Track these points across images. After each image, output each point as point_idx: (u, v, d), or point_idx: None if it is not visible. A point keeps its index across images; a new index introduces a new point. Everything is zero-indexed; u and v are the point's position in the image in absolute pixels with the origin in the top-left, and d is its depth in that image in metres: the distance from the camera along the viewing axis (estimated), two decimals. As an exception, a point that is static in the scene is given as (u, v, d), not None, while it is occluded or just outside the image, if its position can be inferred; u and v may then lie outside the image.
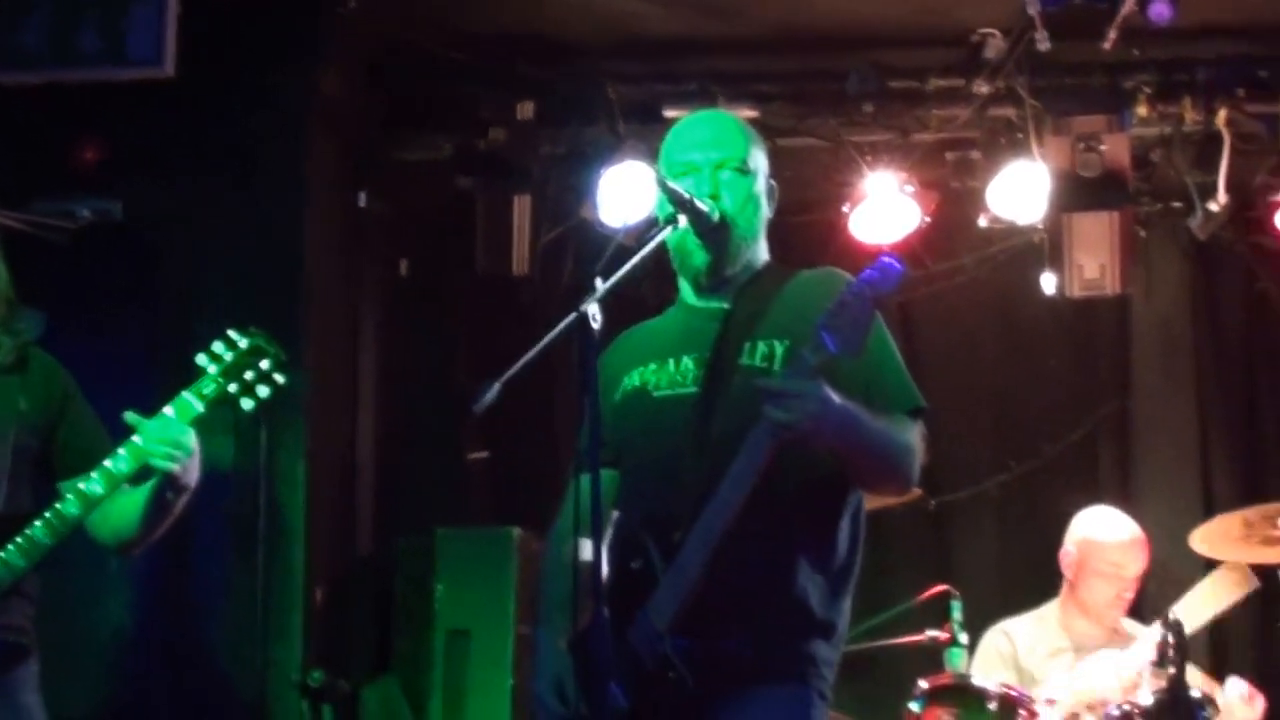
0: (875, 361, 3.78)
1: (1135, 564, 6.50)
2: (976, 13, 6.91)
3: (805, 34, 7.15)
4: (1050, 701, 5.88)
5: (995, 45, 6.84)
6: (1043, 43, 6.59)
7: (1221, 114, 7.04)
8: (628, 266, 3.71)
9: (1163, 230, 7.77)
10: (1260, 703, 6.19)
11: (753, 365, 3.80)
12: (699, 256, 3.92)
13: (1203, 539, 6.41)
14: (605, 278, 3.65)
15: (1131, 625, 6.53)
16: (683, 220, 3.87)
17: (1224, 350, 7.96)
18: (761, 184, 4.00)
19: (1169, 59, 7.08)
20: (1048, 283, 7.24)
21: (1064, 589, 6.65)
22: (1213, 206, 7.15)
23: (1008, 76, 6.94)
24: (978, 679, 5.93)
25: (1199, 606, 6.22)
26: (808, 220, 7.43)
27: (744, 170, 3.94)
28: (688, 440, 3.75)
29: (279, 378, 4.45)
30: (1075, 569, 6.56)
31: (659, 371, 3.91)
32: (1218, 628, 7.43)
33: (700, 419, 3.77)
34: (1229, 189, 7.09)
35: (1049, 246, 7.24)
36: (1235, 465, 7.81)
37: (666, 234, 3.87)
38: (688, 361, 3.88)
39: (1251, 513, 6.36)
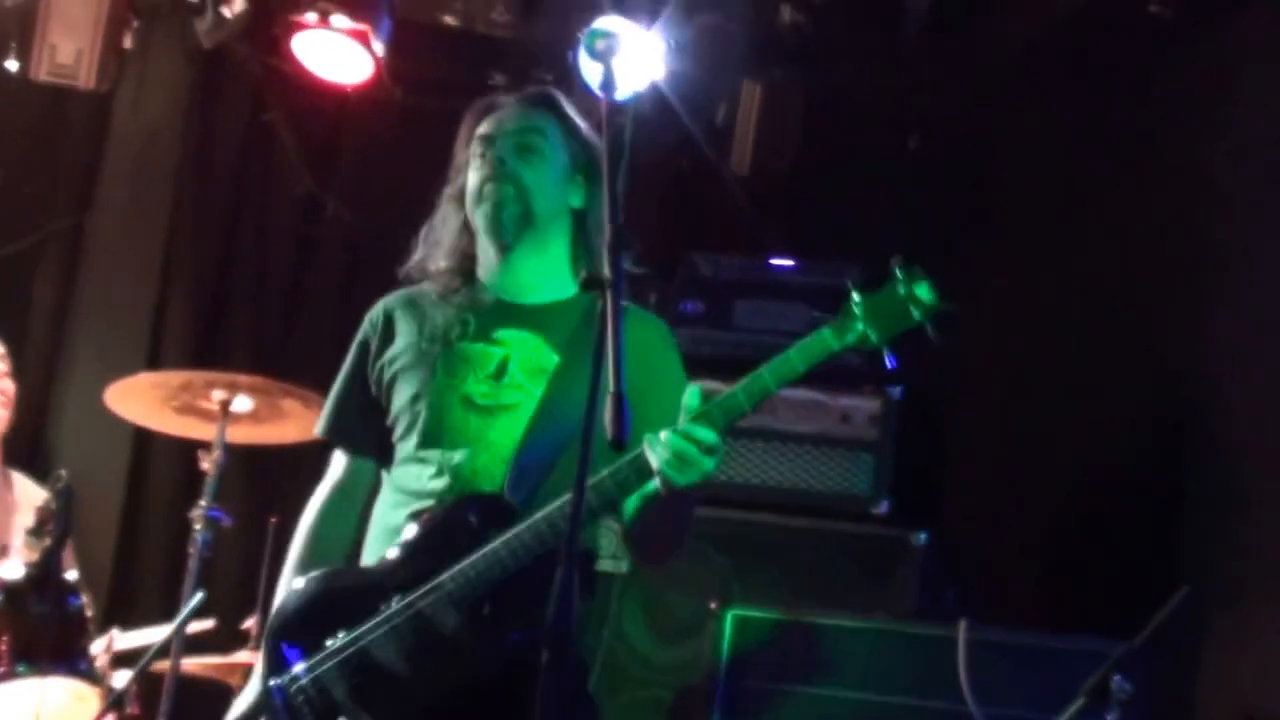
0: None
1: None
2: None
3: None
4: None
5: None
6: None
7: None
8: None
9: (170, 27, 6.94)
10: None
11: None
12: None
13: (122, 393, 5.84)
14: None
15: (25, 483, 6.06)
16: None
17: (211, 186, 7.13)
18: None
19: None
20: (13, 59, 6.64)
21: None
22: (226, 12, 6.52)
23: None
24: None
25: None
26: None
27: None
28: None
29: None
30: None
31: None
32: (133, 507, 6.91)
33: None
34: (250, -4, 6.43)
35: (22, 18, 6.55)
36: (192, 318, 7.02)
37: None
38: None
39: (193, 376, 5.78)
